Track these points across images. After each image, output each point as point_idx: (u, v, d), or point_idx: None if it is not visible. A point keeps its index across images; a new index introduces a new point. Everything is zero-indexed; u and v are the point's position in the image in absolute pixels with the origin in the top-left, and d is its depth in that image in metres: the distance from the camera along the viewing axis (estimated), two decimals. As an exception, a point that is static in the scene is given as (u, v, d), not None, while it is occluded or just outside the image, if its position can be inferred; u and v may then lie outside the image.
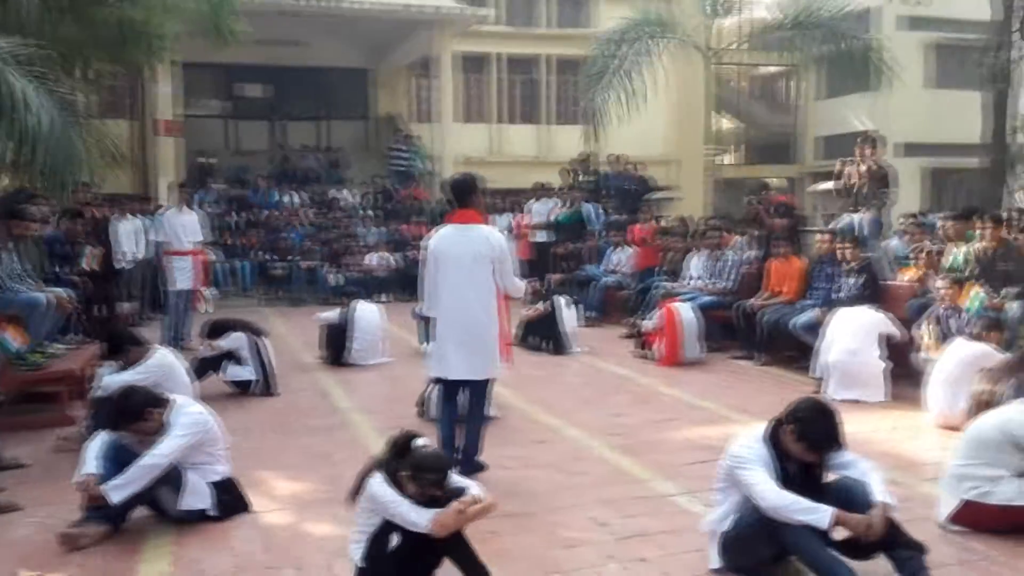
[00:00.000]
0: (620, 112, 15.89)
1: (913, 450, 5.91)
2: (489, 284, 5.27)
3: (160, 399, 4.60)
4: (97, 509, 4.35)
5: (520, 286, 5.63)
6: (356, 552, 3.66)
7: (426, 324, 9.52)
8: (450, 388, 5.48)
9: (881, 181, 9.30)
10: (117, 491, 4.27)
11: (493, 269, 5.26)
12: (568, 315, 9.97)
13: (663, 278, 10.98)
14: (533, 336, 10.08)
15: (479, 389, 5.45)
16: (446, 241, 5.34)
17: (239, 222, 16.19)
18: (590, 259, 12.91)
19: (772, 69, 29.37)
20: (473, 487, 3.70)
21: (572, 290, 11.91)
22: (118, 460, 4.40)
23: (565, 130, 24.41)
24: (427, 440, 3.78)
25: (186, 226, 9.96)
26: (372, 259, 15.57)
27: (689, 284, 10.28)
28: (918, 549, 3.65)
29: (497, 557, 3.98)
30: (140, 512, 4.58)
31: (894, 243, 10.03)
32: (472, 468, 5.25)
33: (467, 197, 5.39)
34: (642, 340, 9.54)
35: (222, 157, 19.25)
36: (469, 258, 5.24)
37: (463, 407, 5.52)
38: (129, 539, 4.40)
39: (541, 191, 15.12)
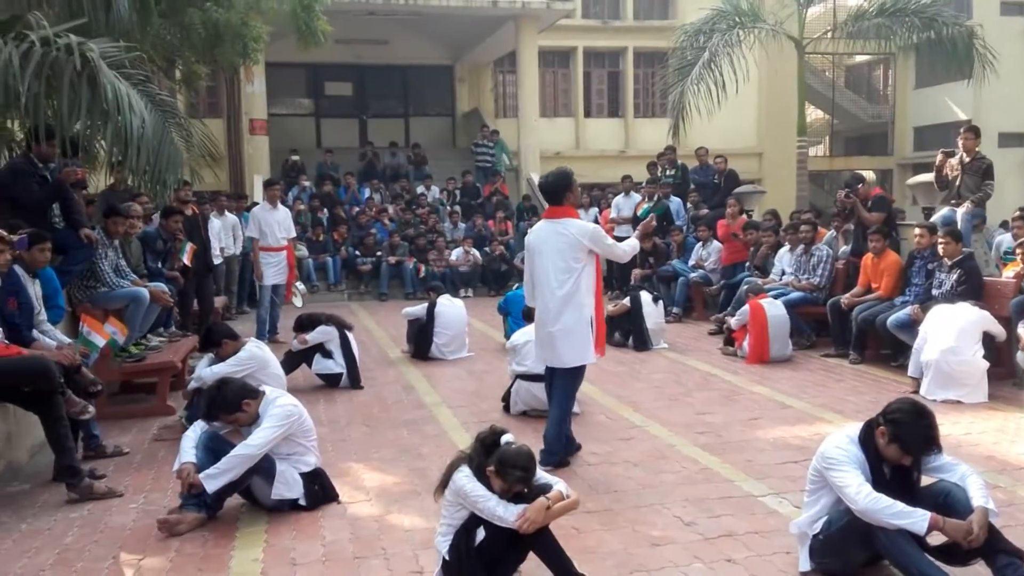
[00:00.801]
0: (708, 104, 15.64)
1: (1015, 454, 5.67)
2: (578, 276, 5.35)
3: (254, 391, 4.74)
4: (194, 497, 4.51)
5: (625, 250, 5.69)
6: (442, 545, 3.70)
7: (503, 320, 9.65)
8: (549, 375, 5.68)
9: (983, 173, 8.93)
10: (213, 480, 4.42)
11: (584, 261, 5.35)
12: (652, 311, 9.87)
13: (751, 273, 10.78)
14: (616, 332, 10.02)
15: (565, 379, 5.53)
16: (538, 235, 5.51)
17: (326, 219, 16.50)
18: (675, 254, 12.75)
19: (865, 58, 28.52)
20: (559, 484, 3.71)
21: (656, 286, 11.79)
22: (214, 450, 4.56)
23: (650, 123, 24.28)
24: (514, 436, 3.80)
25: (278, 223, 10.23)
26: (455, 254, 15.71)
27: (779, 280, 10.06)
28: (1019, 556, 3.50)
29: (582, 554, 3.99)
30: (235, 501, 4.74)
31: (1006, 237, 9.61)
32: (551, 460, 5.35)
33: (560, 193, 5.48)
34: (729, 337, 9.40)
35: (310, 155, 19.69)
36: (557, 251, 5.37)
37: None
38: (224, 526, 4.55)
39: (628, 185, 14.96)
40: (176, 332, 8.32)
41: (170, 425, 6.52)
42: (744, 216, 12.33)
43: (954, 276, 7.75)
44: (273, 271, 10.17)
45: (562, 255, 5.36)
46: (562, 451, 5.51)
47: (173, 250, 8.73)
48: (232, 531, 4.50)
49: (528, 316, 7.18)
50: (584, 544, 4.20)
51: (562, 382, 5.55)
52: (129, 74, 6.91)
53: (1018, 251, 8.06)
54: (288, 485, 4.66)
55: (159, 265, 8.50)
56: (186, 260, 8.77)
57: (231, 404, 4.63)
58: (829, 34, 18.03)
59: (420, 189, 18.43)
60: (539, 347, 5.63)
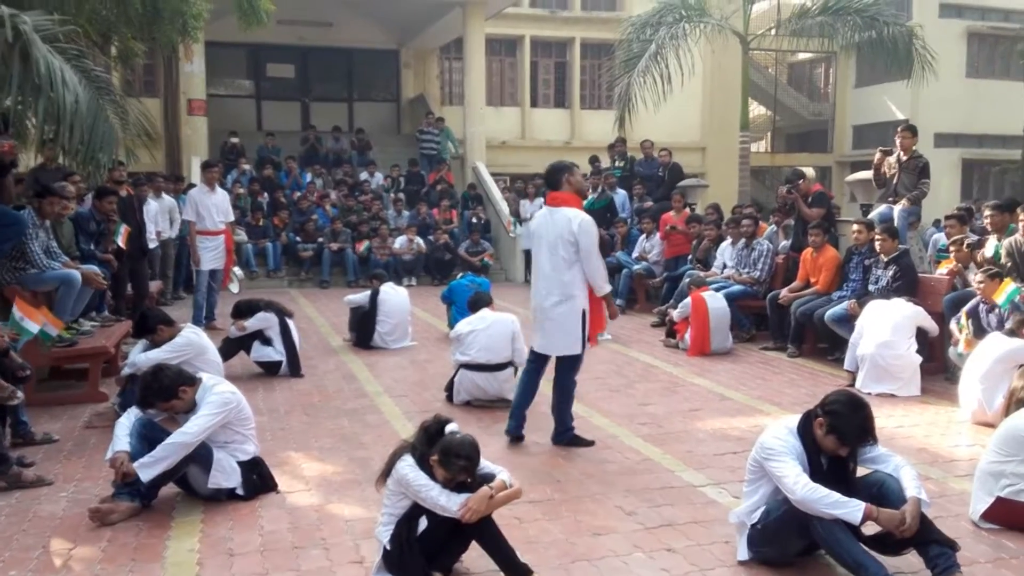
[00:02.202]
0: (653, 98, 15.75)
1: (946, 446, 5.83)
2: (570, 265, 5.44)
3: (190, 377, 4.63)
4: (127, 486, 4.39)
5: (600, 273, 5.53)
6: (383, 535, 3.66)
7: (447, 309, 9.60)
8: (533, 359, 5.78)
9: (919, 172, 9.14)
10: (147, 468, 4.31)
11: (577, 251, 5.41)
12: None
13: (694, 266, 10.90)
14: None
15: (564, 364, 5.67)
16: (538, 222, 5.68)
17: (267, 203, 16.23)
18: (619, 246, 12.82)
19: (807, 56, 29.03)
20: (502, 473, 3.70)
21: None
22: (149, 438, 4.44)
23: (596, 115, 24.37)
24: (458, 426, 3.77)
25: (216, 206, 10.01)
26: (399, 242, 15.58)
27: (720, 273, 10.19)
28: (950, 546, 3.60)
29: (524, 543, 3.98)
30: (170, 489, 4.63)
31: (941, 236, 9.84)
32: (564, 438, 5.67)
33: (557, 175, 5.59)
34: (671, 329, 9.49)
35: (250, 137, 19.34)
36: (552, 239, 5.49)
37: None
38: (158, 516, 4.44)
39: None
40: (109, 317, 8.09)
41: (102, 412, 6.33)
42: (687, 210, 12.47)
43: (890, 272, 7.93)
44: (211, 255, 9.96)
45: (557, 243, 5.45)
46: (568, 431, 5.71)
47: (107, 232, 8.48)
48: (167, 521, 4.39)
49: (473, 306, 7.16)
50: (527, 534, 4.20)
51: (561, 369, 5.69)
52: (63, 49, 6.69)
53: (951, 249, 8.28)
54: (225, 474, 4.57)
55: (92, 247, 8.25)
56: (120, 242, 8.53)
57: (167, 391, 4.52)
58: (773, 31, 18.28)
59: (364, 175, 18.24)
60: (533, 332, 5.72)
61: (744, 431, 6.03)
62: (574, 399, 5.82)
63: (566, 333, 5.49)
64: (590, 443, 5.71)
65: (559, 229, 5.44)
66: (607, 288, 5.64)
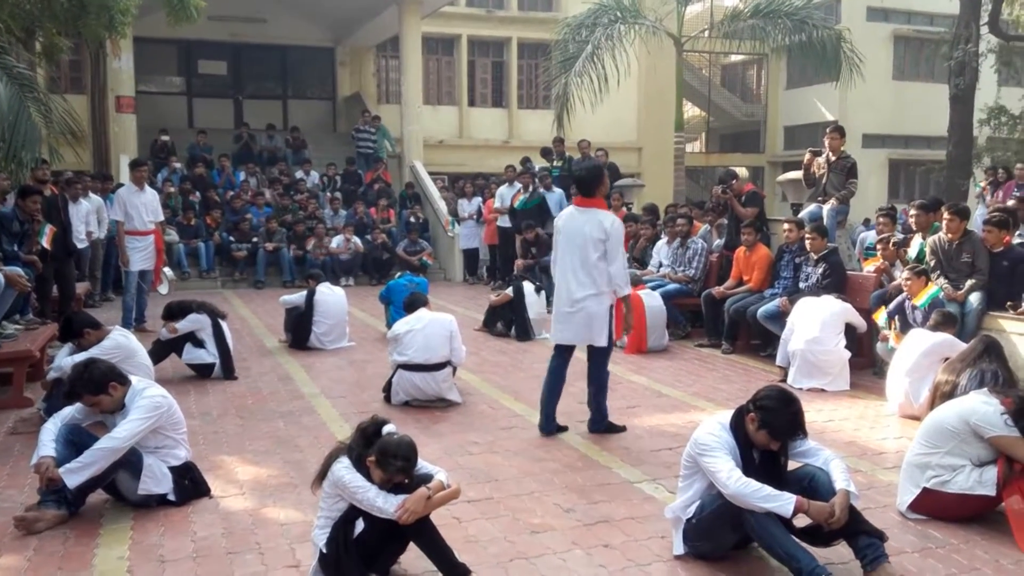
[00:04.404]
0: (590, 98, 15.86)
1: (874, 439, 5.98)
2: (598, 263, 5.70)
3: (122, 376, 4.52)
4: (53, 493, 4.27)
5: (623, 274, 5.80)
6: (320, 538, 3.62)
7: (385, 309, 9.53)
8: (558, 352, 6.01)
9: (847, 172, 9.36)
10: (74, 475, 4.18)
11: (605, 250, 5.67)
12: (534, 301, 9.95)
13: (630, 265, 10.99)
14: (498, 322, 10.05)
15: (596, 358, 5.93)
16: (566, 221, 5.88)
17: (198, 202, 15.90)
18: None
19: (740, 58, 29.57)
20: (440, 473, 3.68)
21: (539, 276, 11.88)
22: (76, 443, 4.32)
23: (533, 114, 24.47)
24: (396, 427, 3.74)
25: (144, 205, 9.78)
26: (336, 242, 15.42)
27: (656, 272, 10.31)
28: (878, 536, 3.68)
29: (463, 543, 3.98)
30: (98, 496, 4.51)
31: (870, 234, 10.09)
32: (601, 427, 5.95)
33: (592, 185, 5.84)
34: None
35: (181, 135, 18.94)
36: (581, 237, 5.71)
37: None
38: (87, 523, 4.32)
39: (512, 175, 14.99)
40: (34, 319, 7.83)
41: (27, 418, 6.13)
42: (624, 209, 12.58)
43: (820, 270, 8.11)
44: (140, 256, 9.73)
45: (587, 241, 5.68)
46: (604, 419, 5.97)
47: (31, 232, 8.21)
48: (95, 528, 4.27)
49: (409, 306, 7.12)
50: (465, 533, 4.19)
51: (594, 361, 5.94)
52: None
53: (879, 246, 8.50)
54: (156, 480, 4.46)
55: (15, 248, 7.99)
56: (45, 243, 8.26)
57: (97, 384, 4.38)
58: (706, 33, 18.56)
59: (299, 174, 18.00)
60: (557, 324, 5.92)
61: (680, 427, 6.10)
62: (608, 389, 6.07)
63: (596, 324, 5.75)
64: (622, 428, 6.01)
65: (591, 228, 5.68)
66: (629, 289, 5.91)
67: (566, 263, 5.81)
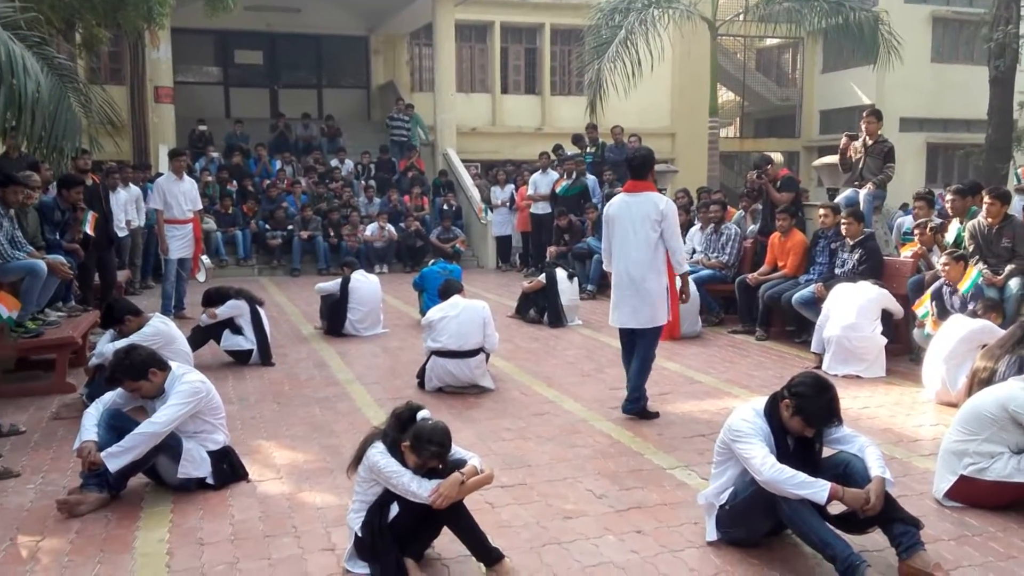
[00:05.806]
0: (623, 83, 15.78)
1: (910, 426, 5.93)
2: (654, 244, 5.89)
3: (162, 361, 4.60)
4: (95, 476, 4.36)
5: (681, 253, 6.01)
6: (354, 521, 3.67)
7: (419, 296, 9.59)
8: (623, 336, 6.21)
9: (885, 156, 9.23)
10: (115, 458, 4.28)
11: (661, 232, 5.85)
12: (567, 288, 9.95)
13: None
14: (531, 309, 10.07)
15: (646, 338, 6.04)
16: (619, 207, 6.03)
17: (235, 191, 16.07)
18: (590, 232, 12.85)
19: (775, 42, 29.18)
20: (473, 459, 3.71)
21: (571, 263, 11.88)
22: (117, 428, 4.41)
23: (566, 101, 24.36)
24: (430, 412, 3.78)
25: (183, 194, 9.92)
26: (370, 230, 15.51)
27: (690, 258, 10.25)
28: (914, 524, 3.66)
29: (496, 528, 4.01)
30: (139, 480, 4.60)
31: (907, 219, 9.96)
32: (636, 408, 6.01)
33: (645, 168, 6.02)
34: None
35: (218, 125, 19.13)
36: (636, 221, 5.90)
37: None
38: (127, 507, 4.42)
39: (545, 162, 14.95)
40: (76, 307, 8.00)
41: (70, 403, 6.27)
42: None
43: (856, 255, 8.02)
44: (179, 244, 9.88)
45: (642, 224, 5.86)
46: (642, 400, 6.03)
47: (73, 221, 8.36)
48: (136, 511, 4.37)
49: (443, 293, 7.16)
50: (498, 518, 4.22)
51: (644, 340, 6.04)
52: (25, 36, 6.58)
53: (916, 231, 8.39)
54: (195, 463, 4.55)
55: (57, 237, 8.14)
56: (88, 229, 8.41)
57: (138, 369, 4.47)
58: (741, 17, 18.37)
59: (334, 162, 18.12)
60: (616, 309, 6.07)
61: (713, 414, 6.09)
62: (650, 371, 6.14)
63: (656, 305, 5.94)
64: (655, 415, 6.05)
65: (645, 211, 5.86)
66: (686, 267, 6.13)
67: (626, 247, 5.94)
